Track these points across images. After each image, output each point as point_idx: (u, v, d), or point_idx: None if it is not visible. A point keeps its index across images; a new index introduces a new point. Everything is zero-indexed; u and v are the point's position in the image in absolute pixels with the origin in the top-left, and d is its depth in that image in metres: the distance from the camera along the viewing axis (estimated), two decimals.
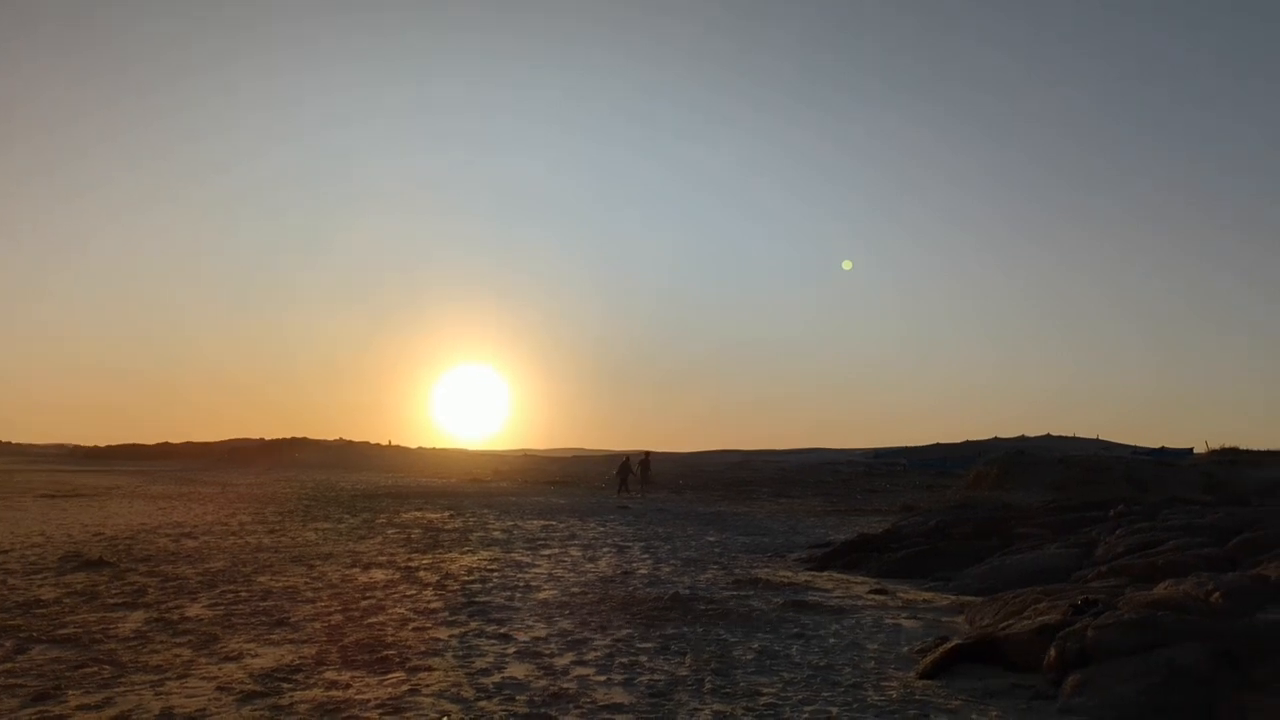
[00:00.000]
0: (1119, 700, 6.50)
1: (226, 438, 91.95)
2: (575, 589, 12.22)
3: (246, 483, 41.75)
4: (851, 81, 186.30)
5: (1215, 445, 46.67)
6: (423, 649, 8.50)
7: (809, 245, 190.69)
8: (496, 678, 7.50)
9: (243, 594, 11.25)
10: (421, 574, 13.29)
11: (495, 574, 13.51)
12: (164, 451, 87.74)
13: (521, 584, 12.60)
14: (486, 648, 8.62)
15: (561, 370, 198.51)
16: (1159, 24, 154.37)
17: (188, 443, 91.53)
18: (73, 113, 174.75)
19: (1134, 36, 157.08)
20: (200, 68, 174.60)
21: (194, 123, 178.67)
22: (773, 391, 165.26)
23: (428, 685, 7.22)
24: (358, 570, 13.57)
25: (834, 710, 6.70)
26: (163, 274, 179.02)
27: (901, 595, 12.53)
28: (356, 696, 6.84)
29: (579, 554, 16.30)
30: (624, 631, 9.48)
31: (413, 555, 15.52)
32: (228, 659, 7.95)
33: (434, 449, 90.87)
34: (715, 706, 6.75)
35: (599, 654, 8.42)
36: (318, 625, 9.44)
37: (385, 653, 8.27)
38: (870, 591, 12.77)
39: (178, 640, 8.65)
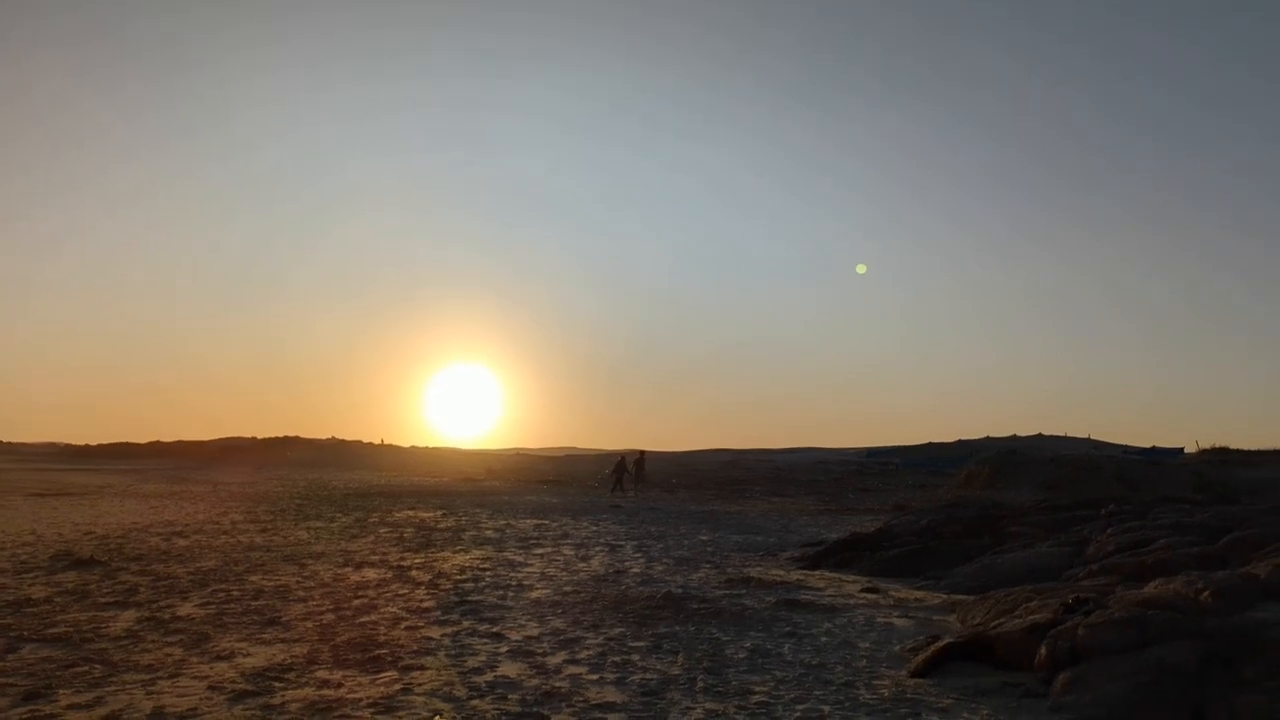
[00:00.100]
0: (1109, 698, 6.53)
1: (218, 436, 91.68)
2: (568, 588, 12.23)
3: (238, 481, 41.65)
4: (851, 81, 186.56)
5: (1206, 445, 46.89)
6: (415, 648, 8.49)
7: (804, 245, 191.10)
8: (489, 676, 7.50)
9: (234, 593, 11.23)
10: (414, 573, 13.27)
11: (488, 573, 13.50)
12: (155, 450, 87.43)
13: (514, 583, 12.60)
14: (479, 646, 8.62)
15: (555, 369, 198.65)
16: (1159, 24, 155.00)
17: (179, 441, 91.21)
18: (62, 108, 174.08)
19: (1134, 36, 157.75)
20: (191, 62, 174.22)
21: (187, 119, 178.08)
22: (766, 391, 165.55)
23: (420, 684, 7.22)
24: (350, 569, 13.55)
25: (826, 709, 6.71)
26: (155, 271, 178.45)
27: (893, 594, 12.56)
28: (348, 695, 6.83)
29: (572, 553, 16.30)
30: (616, 630, 9.49)
31: (405, 554, 15.50)
32: (219, 658, 7.93)
33: (427, 448, 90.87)
34: (707, 705, 6.76)
35: (591, 653, 8.42)
36: (310, 624, 9.43)
37: (377, 652, 8.26)
38: (862, 590, 12.80)
39: (169, 639, 8.63)
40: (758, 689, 7.25)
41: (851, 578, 14.19)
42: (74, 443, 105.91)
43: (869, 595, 12.39)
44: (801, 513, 28.80)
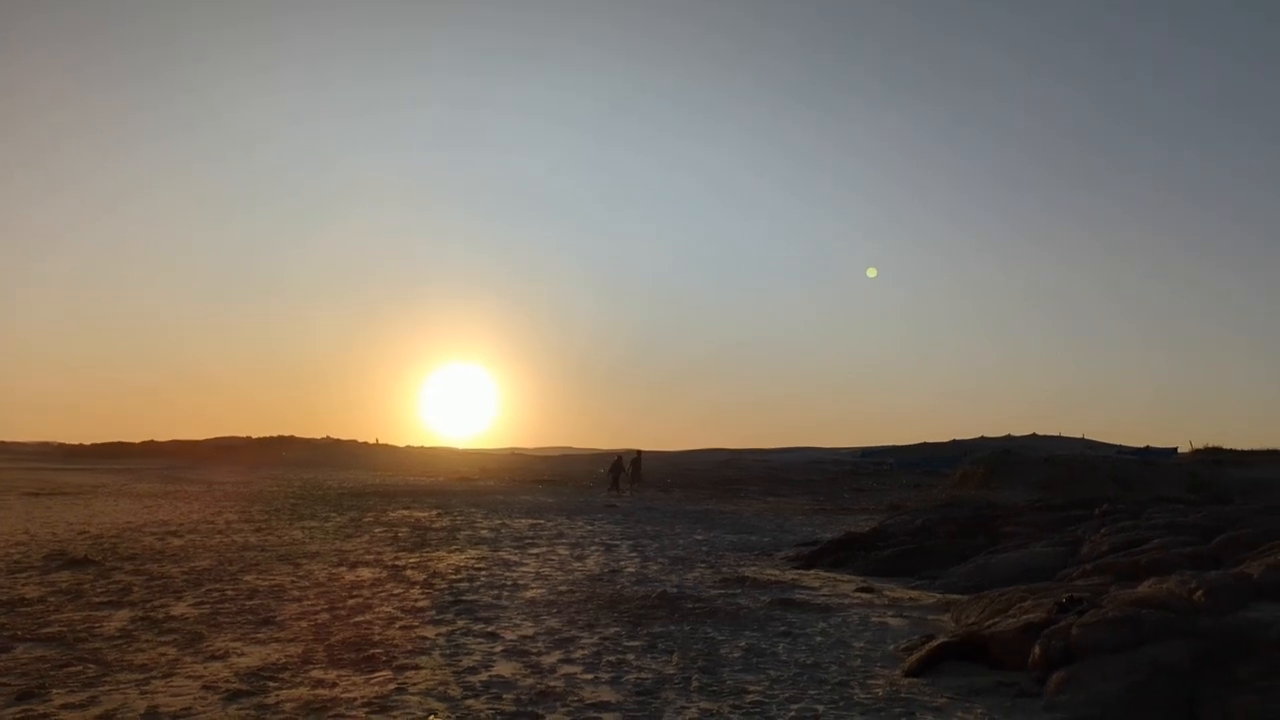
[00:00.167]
0: (1103, 698, 6.55)
1: (213, 436, 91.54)
2: (563, 587, 12.23)
3: (233, 481, 41.57)
4: (851, 81, 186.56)
5: (1199, 445, 47.08)
6: (410, 647, 8.49)
7: (800, 246, 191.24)
8: (483, 676, 7.50)
9: (229, 593, 11.21)
10: (409, 572, 13.26)
11: (483, 572, 13.49)
12: (150, 450, 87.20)
13: (509, 582, 12.59)
14: (473, 646, 8.62)
15: (550, 369, 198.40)
16: (1159, 23, 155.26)
17: (174, 441, 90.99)
18: (56, 106, 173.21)
19: (1134, 36, 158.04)
20: (185, 58, 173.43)
21: (182, 116, 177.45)
22: (761, 391, 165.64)
23: (414, 684, 7.21)
24: (344, 569, 13.54)
25: (820, 708, 6.72)
26: (150, 270, 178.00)
27: (888, 593, 12.58)
28: (343, 695, 6.82)
29: (567, 552, 16.30)
30: (611, 630, 9.49)
31: (400, 554, 15.49)
32: (213, 658, 7.92)
33: (422, 447, 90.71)
34: (702, 704, 6.77)
35: (586, 652, 8.42)
36: (304, 624, 9.42)
37: (372, 651, 8.26)
38: (857, 590, 12.82)
39: (163, 639, 8.61)
40: (752, 688, 7.26)
41: (846, 577, 14.21)
42: (68, 442, 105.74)
43: (864, 595, 12.41)
44: (796, 512, 28.83)
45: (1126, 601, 8.28)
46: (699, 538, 19.84)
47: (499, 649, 8.52)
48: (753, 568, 15.00)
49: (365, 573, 13.18)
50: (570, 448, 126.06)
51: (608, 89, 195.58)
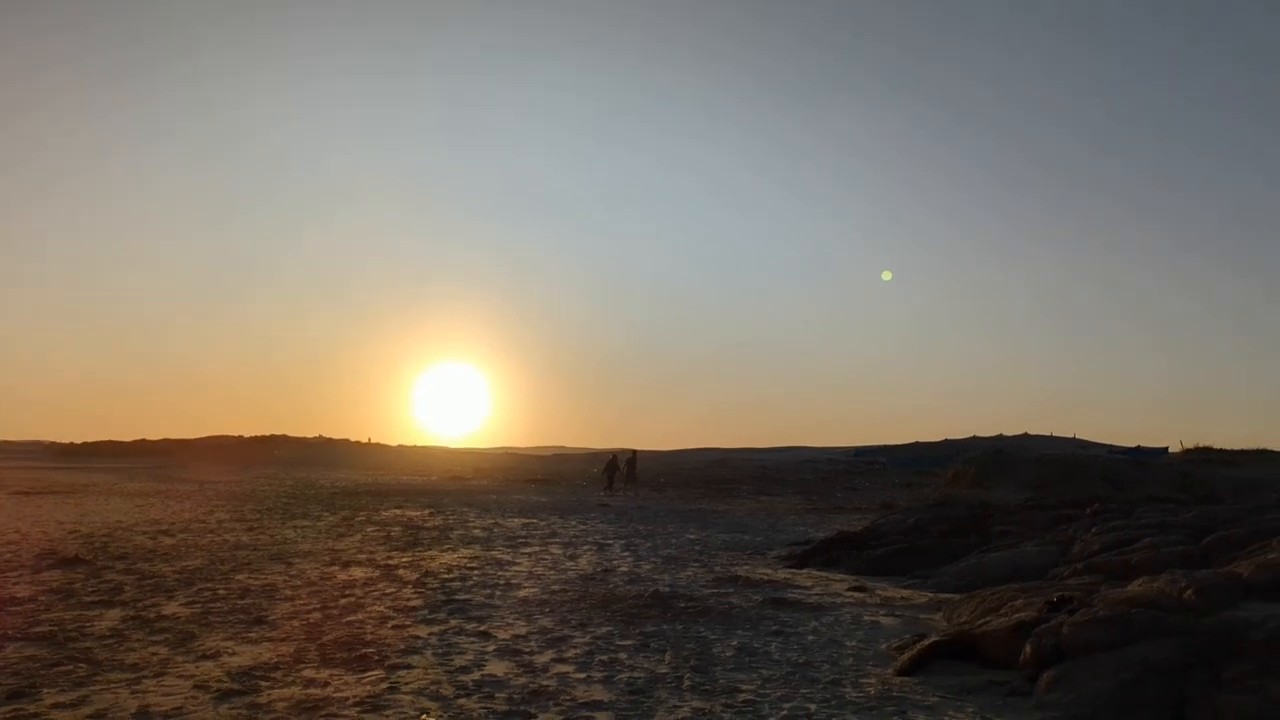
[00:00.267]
0: (1093, 696, 6.58)
1: (204, 435, 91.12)
2: (555, 587, 12.23)
3: (225, 480, 41.47)
4: (851, 81, 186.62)
5: (1190, 445, 47.25)
6: (402, 647, 8.48)
7: (795, 246, 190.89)
8: (476, 675, 7.50)
9: (220, 592, 11.19)
10: (401, 572, 13.25)
11: (475, 572, 13.49)
12: (141, 448, 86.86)
13: (502, 582, 12.59)
14: (466, 645, 8.62)
15: (543, 368, 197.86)
16: (1159, 22, 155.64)
17: (165, 440, 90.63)
18: (45, 103, 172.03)
19: (1133, 35, 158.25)
20: (177, 53, 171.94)
21: (172, 112, 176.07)
22: (754, 390, 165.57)
23: (407, 683, 7.21)
24: (337, 568, 13.52)
25: (812, 707, 6.74)
26: (141, 268, 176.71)
27: (880, 593, 12.61)
28: (335, 694, 6.82)
29: (560, 552, 16.31)
30: (604, 629, 9.50)
31: (392, 553, 15.47)
32: (205, 657, 7.91)
33: (414, 447, 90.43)
34: (694, 704, 6.78)
35: (579, 651, 8.43)
36: (296, 623, 9.41)
37: (364, 650, 8.25)
38: (849, 589, 12.85)
39: (154, 638, 8.59)
40: (744, 687, 7.27)
41: (838, 576, 14.24)
42: (59, 441, 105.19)
43: (856, 594, 12.44)
44: (789, 512, 28.87)
45: (1117, 600, 8.31)
46: (692, 537, 19.86)
47: (491, 648, 8.52)
48: (745, 567, 15.02)
49: (358, 572, 13.17)
50: (563, 447, 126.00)
51: (606, 88, 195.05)
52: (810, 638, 9.32)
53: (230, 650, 8.17)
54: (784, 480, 47.21)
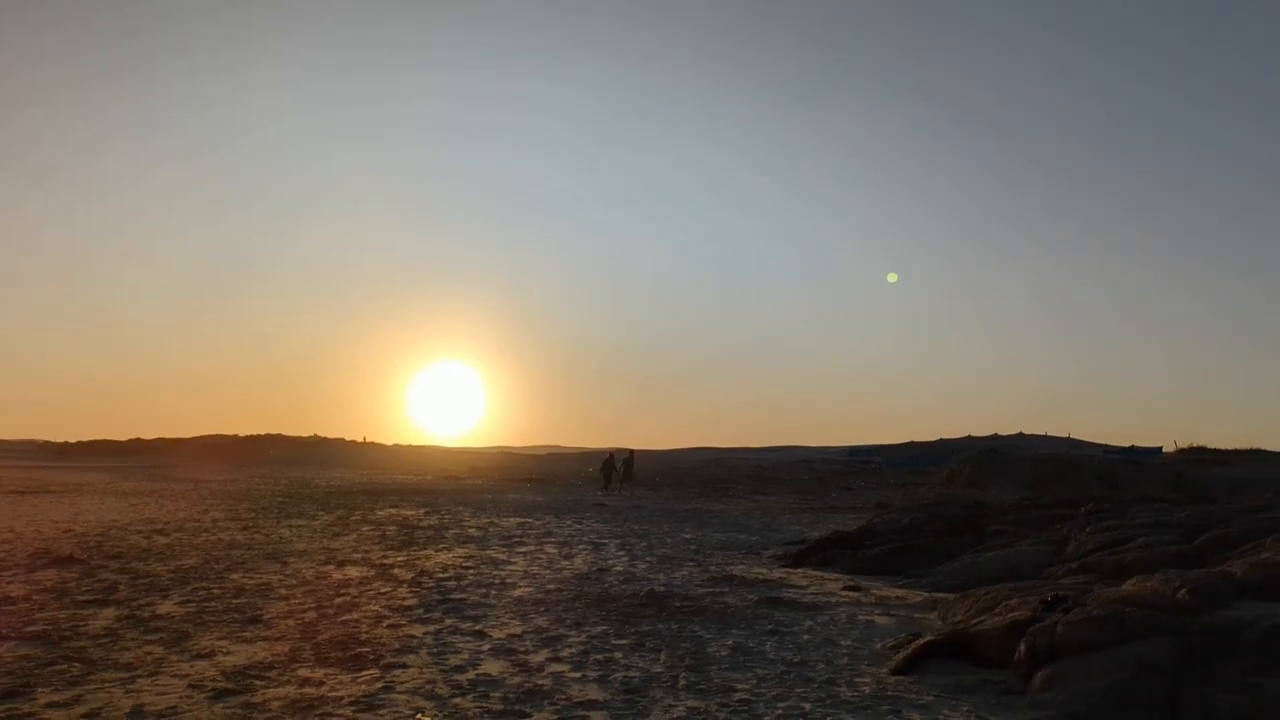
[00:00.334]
0: (1087, 695, 6.59)
1: (199, 434, 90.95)
2: (551, 586, 12.23)
3: (220, 479, 41.40)
4: (851, 81, 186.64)
5: (1184, 444, 47.41)
6: (397, 646, 8.48)
7: (790, 246, 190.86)
8: (471, 675, 7.50)
9: (215, 591, 11.17)
10: (396, 571, 13.24)
11: (470, 571, 13.48)
12: (136, 447, 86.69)
13: (497, 581, 12.59)
14: (461, 645, 8.61)
15: (538, 368, 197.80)
16: (1159, 22, 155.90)
17: (160, 439, 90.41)
18: (34, 101, 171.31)
19: (1133, 35, 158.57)
20: (170, 49, 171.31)
21: (166, 108, 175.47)
22: (749, 390, 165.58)
23: (402, 682, 7.21)
24: (332, 567, 13.51)
25: (807, 706, 6.75)
26: (136, 267, 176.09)
27: (875, 592, 12.63)
28: (330, 694, 6.81)
29: (555, 551, 16.31)
30: (599, 628, 9.50)
31: (387, 552, 15.46)
32: (199, 656, 7.90)
33: (410, 446, 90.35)
34: (689, 703, 6.78)
35: (574, 651, 8.43)
36: (291, 622, 9.40)
37: (359, 650, 8.25)
38: (844, 588, 12.86)
39: (149, 638, 8.58)
40: (740, 687, 7.28)
41: (833, 576, 14.25)
42: (54, 440, 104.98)
43: (851, 593, 12.46)
44: (784, 511, 28.89)
45: (1111, 600, 8.33)
46: (687, 536, 19.87)
47: (486, 647, 8.52)
48: (740, 566, 15.03)
49: (353, 571, 13.16)
50: (559, 446, 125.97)
51: (605, 87, 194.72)
52: (805, 637, 9.33)
53: (225, 649, 8.16)
54: (779, 480, 47.25)
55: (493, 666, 7.81)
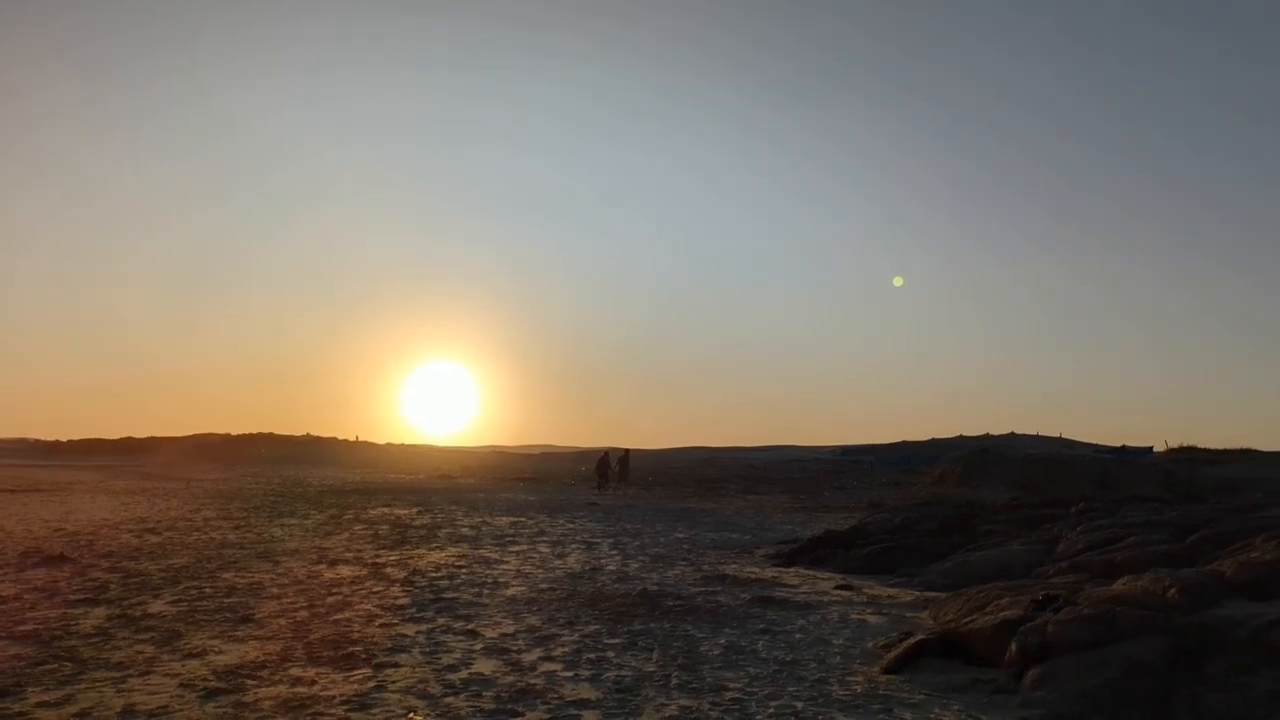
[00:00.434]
0: (1078, 694, 6.62)
1: (191, 432, 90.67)
2: (543, 585, 12.23)
3: (211, 478, 41.28)
4: (852, 82, 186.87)
5: (1174, 444, 47.59)
6: (389, 645, 8.47)
7: (784, 246, 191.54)
8: (463, 674, 7.50)
9: (207, 590, 11.15)
10: (389, 570, 13.23)
11: (463, 570, 13.47)
12: (127, 446, 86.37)
13: (489, 580, 12.58)
14: (453, 644, 8.61)
15: (531, 367, 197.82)
16: (1159, 23, 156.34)
17: (152, 437, 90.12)
18: (27, 94, 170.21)
19: (1133, 34, 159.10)
20: (162, 42, 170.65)
21: (158, 103, 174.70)
22: (742, 390, 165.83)
23: (394, 681, 7.20)
24: (324, 566, 13.49)
25: (799, 705, 6.76)
26: (127, 264, 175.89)
27: (867, 591, 12.65)
28: (322, 693, 6.81)
29: (547, 550, 16.30)
30: (591, 627, 9.51)
31: (380, 551, 15.44)
32: (191, 656, 7.88)
33: (402, 445, 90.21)
34: (682, 702, 6.79)
35: (566, 650, 8.43)
36: (283, 622, 9.38)
37: (351, 649, 8.24)
38: (836, 587, 12.89)
39: (140, 637, 8.56)
40: (732, 685, 7.29)
41: (825, 575, 14.28)
42: (44, 438, 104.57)
43: (843, 592, 12.48)
44: (777, 510, 28.92)
45: (1102, 599, 8.36)
46: (680, 535, 19.88)
47: (479, 647, 8.52)
48: (733, 565, 15.05)
49: (345, 570, 13.14)
50: (552, 446, 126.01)
51: (605, 86, 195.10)
52: (797, 636, 9.34)
53: (216, 649, 8.14)
54: (772, 479, 47.30)
55: (485, 665, 7.80)
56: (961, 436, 70.59)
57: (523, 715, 6.43)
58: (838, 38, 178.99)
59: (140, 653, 7.94)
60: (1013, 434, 70.61)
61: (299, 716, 6.26)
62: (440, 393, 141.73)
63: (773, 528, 22.88)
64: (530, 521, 22.06)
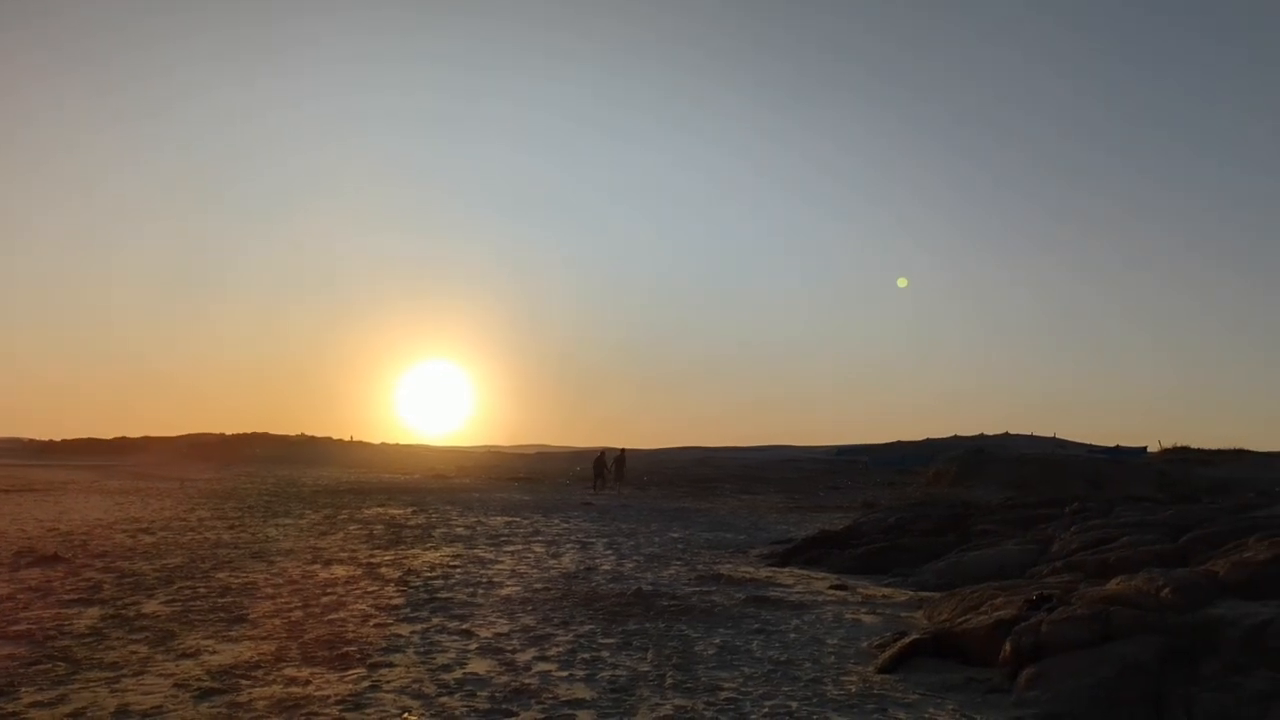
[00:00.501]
0: (1072, 693, 6.64)
1: (185, 432, 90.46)
2: (538, 585, 12.23)
3: (206, 478, 41.19)
4: (852, 81, 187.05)
5: (1168, 444, 47.73)
6: (384, 645, 8.47)
7: (778, 245, 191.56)
8: (458, 674, 7.49)
9: (201, 590, 11.13)
10: (383, 570, 13.22)
11: (458, 570, 13.47)
12: (121, 446, 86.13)
13: (484, 580, 12.58)
14: (448, 644, 8.60)
15: (527, 367, 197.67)
16: (1159, 23, 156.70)
17: (145, 437, 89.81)
18: (12, 91, 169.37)
19: (1134, 34, 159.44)
20: (155, 37, 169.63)
21: (150, 100, 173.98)
22: (737, 389, 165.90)
23: (389, 681, 7.20)
24: (319, 566, 13.47)
25: (794, 705, 6.77)
26: (119, 263, 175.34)
27: (861, 591, 12.67)
28: (316, 693, 6.80)
29: (542, 550, 16.30)
30: (586, 627, 9.51)
31: (375, 551, 15.43)
32: (185, 656, 7.87)
33: (397, 445, 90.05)
34: (676, 701, 6.79)
35: (561, 650, 8.44)
36: (277, 621, 9.37)
37: (346, 649, 8.23)
38: (831, 587, 12.90)
39: (134, 637, 8.54)
40: (726, 685, 7.30)
41: (820, 575, 14.29)
42: (38, 438, 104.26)
43: (837, 592, 12.49)
44: (771, 510, 28.94)
45: (1096, 599, 8.39)
46: (674, 535, 19.89)
47: (473, 646, 8.51)
48: (728, 565, 15.06)
49: (339, 570, 13.12)
50: (547, 446, 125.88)
51: (605, 85, 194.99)
52: (792, 636, 9.35)
53: (211, 649, 8.13)
54: (767, 479, 47.33)
55: (480, 665, 7.80)
56: (956, 437, 70.70)
57: (517, 715, 6.43)
58: (838, 38, 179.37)
59: (134, 653, 7.92)
60: (1007, 434, 70.76)
61: (293, 716, 6.25)
62: (435, 392, 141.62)
63: (767, 528, 22.90)
64: (525, 521, 22.05)
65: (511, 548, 16.55)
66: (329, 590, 11.38)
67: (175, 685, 6.92)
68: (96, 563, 13.24)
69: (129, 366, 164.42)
